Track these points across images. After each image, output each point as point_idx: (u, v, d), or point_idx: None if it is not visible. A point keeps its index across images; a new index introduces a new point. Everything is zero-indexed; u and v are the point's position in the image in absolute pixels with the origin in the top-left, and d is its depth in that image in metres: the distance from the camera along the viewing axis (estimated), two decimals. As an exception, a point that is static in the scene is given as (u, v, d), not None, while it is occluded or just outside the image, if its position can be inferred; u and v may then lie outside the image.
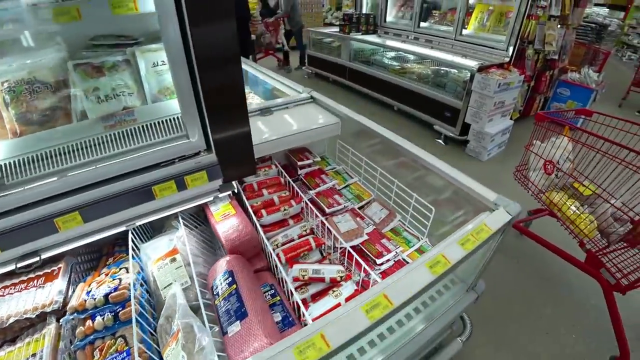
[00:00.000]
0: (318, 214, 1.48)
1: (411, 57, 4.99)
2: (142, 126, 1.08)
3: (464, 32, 4.59)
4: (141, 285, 1.27)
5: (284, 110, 1.94)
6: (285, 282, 1.19)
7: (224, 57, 0.95)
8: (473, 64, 3.85)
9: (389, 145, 1.54)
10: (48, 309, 1.20)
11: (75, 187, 1.02)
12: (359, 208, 1.68)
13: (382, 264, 1.37)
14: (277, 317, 1.15)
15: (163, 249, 1.32)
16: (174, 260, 1.27)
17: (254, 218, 1.35)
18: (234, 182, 1.26)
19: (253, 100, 2.54)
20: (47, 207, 1.02)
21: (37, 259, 1.13)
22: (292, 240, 1.38)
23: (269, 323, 1.02)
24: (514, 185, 2.41)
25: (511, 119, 4.13)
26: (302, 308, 1.06)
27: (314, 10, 10.43)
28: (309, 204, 1.48)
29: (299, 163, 1.79)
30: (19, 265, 1.16)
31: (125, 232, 1.32)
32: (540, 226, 2.55)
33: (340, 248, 1.40)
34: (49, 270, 1.36)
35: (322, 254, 1.41)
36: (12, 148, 1.04)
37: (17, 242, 1.05)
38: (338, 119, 1.82)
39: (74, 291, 1.30)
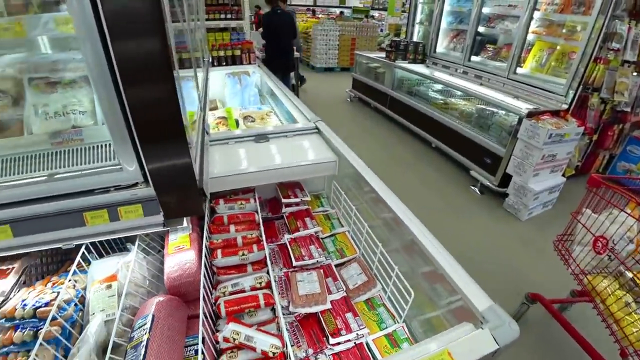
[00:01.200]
0: (282, 265, 1.32)
1: (457, 92, 4.70)
2: (87, 147, 1.02)
3: (519, 70, 4.21)
4: (76, 305, 1.19)
5: (282, 139, 1.82)
6: (211, 341, 1.04)
7: (154, 85, 0.84)
8: (523, 107, 3.50)
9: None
10: None
11: (7, 202, 0.97)
12: (337, 265, 1.49)
13: (337, 344, 1.18)
14: None
15: (107, 271, 1.24)
16: (109, 287, 1.19)
17: (205, 259, 1.22)
18: (185, 218, 1.14)
19: (271, 120, 2.47)
20: None
21: None
22: (243, 291, 1.23)
23: None
24: (554, 257, 2.07)
25: (564, 175, 3.66)
26: None
27: (368, 34, 10.42)
28: (274, 252, 1.32)
29: (284, 200, 1.65)
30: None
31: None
32: (578, 312, 2.17)
33: (294, 313, 1.23)
34: (4, 268, 1.35)
35: (274, 312, 1.25)
36: None
37: None
38: (336, 157, 1.66)
39: (17, 292, 1.28)
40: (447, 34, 5.65)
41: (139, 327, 1.02)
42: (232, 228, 1.40)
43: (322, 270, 1.40)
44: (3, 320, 1.14)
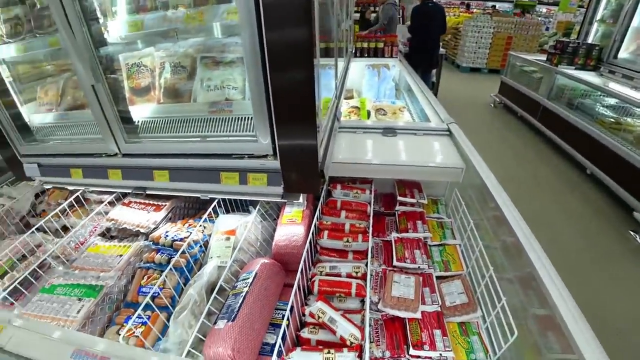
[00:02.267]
0: (382, 261, 1.29)
1: (638, 110, 3.75)
2: (234, 117, 1.17)
3: None
4: (201, 246, 1.41)
5: (410, 136, 1.75)
6: (299, 312, 1.09)
7: (296, 71, 0.91)
8: None
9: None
10: (142, 230, 1.54)
11: (171, 153, 1.24)
12: (439, 278, 1.38)
13: (416, 357, 1.10)
14: (272, 339, 1.10)
15: (229, 225, 1.42)
16: (228, 239, 1.35)
17: (311, 236, 1.28)
18: (302, 195, 1.21)
19: (403, 116, 2.42)
20: (152, 160, 1.29)
21: (142, 192, 1.39)
22: (338, 275, 1.25)
23: (250, 338, 0.99)
24: None
25: None
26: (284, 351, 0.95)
27: (529, 32, 9.04)
28: (378, 247, 1.30)
29: (399, 198, 1.59)
30: (133, 192, 1.46)
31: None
32: None
33: (382, 312, 1.19)
34: (160, 204, 1.69)
35: (363, 304, 1.24)
36: (152, 111, 1.36)
37: (130, 177, 1.37)
38: (464, 164, 1.52)
39: (165, 224, 1.58)
40: (637, 35, 4.48)
41: (243, 280, 1.15)
42: (343, 214, 1.43)
43: (421, 278, 1.32)
44: (151, 243, 1.44)
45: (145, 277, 1.32)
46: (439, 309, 1.26)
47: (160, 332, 1.14)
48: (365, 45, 3.73)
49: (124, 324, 1.15)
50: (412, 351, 1.13)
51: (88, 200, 1.83)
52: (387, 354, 1.15)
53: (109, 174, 1.41)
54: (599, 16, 5.05)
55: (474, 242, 1.36)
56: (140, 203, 1.72)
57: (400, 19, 7.55)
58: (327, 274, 1.26)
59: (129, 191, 1.48)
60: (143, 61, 1.41)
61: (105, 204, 1.70)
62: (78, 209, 1.70)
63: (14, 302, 1.25)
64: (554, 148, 4.77)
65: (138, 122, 1.37)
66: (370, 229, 1.37)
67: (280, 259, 1.27)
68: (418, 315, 1.21)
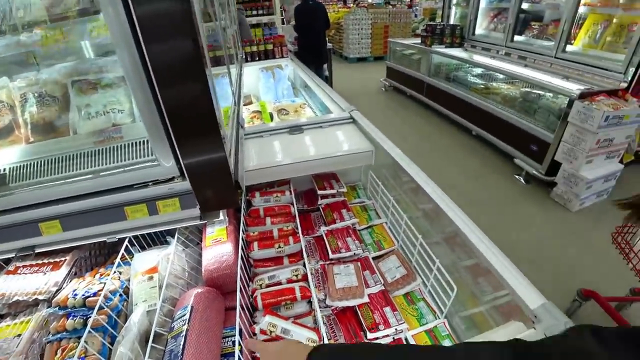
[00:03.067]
0: (318, 257, 1.29)
1: (499, 75, 4.42)
2: (127, 144, 1.04)
3: (569, 48, 3.86)
4: (121, 295, 1.24)
5: (316, 130, 1.78)
6: (248, 333, 1.03)
7: (188, 84, 0.84)
8: (574, 88, 3.21)
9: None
10: (41, 297, 1.28)
11: (57, 198, 1.05)
12: (375, 258, 1.44)
13: (374, 339, 1.14)
14: None
15: (148, 263, 1.27)
16: (151, 278, 1.22)
17: (241, 251, 1.22)
18: (222, 211, 1.14)
19: (305, 113, 2.45)
20: (34, 212, 1.07)
21: (31, 253, 1.16)
22: (279, 283, 1.22)
23: None
24: (609, 251, 1.90)
25: (622, 162, 3.34)
26: None
27: (402, 20, 10.05)
28: (310, 244, 1.29)
29: (320, 192, 1.61)
30: (18, 255, 1.21)
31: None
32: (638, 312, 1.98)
33: (331, 306, 1.20)
34: (58, 260, 1.44)
35: (311, 305, 1.22)
36: (21, 154, 1.15)
37: (9, 238, 1.13)
38: (372, 147, 1.60)
39: (69, 283, 1.36)
40: (486, 14, 5.30)
41: (179, 318, 1.04)
42: (268, 220, 1.39)
43: (359, 263, 1.36)
44: (57, 308, 1.22)
45: (59, 351, 1.11)
46: (383, 288, 1.32)
47: None
48: (254, 49, 3.70)
49: None
50: (369, 335, 1.16)
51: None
52: None
53: (-24, 241, 1.15)
54: (454, 0, 5.85)
55: (399, 217, 1.45)
56: (31, 266, 1.44)
57: (283, 19, 7.70)
58: (267, 285, 1.22)
59: (12, 255, 1.22)
60: (-3, 96, 1.18)
61: None
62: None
63: None
64: (443, 118, 5.37)
65: (4, 170, 1.14)
66: (299, 228, 1.35)
67: (214, 283, 1.18)
68: (366, 299, 1.24)
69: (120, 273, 1.34)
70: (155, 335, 1.02)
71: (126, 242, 1.33)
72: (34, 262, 1.44)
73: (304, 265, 1.30)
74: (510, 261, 0.97)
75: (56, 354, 1.11)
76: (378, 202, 1.69)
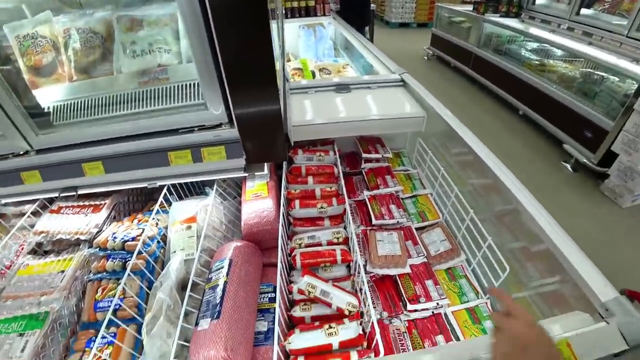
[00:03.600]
0: (359, 222, 1.22)
1: (558, 52, 4.03)
2: (173, 86, 0.98)
3: (645, 27, 3.42)
4: (159, 242, 1.23)
5: (365, 90, 1.67)
6: (286, 291, 1.00)
7: (247, 23, 0.75)
8: (647, 71, 2.87)
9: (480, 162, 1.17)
10: (82, 237, 1.29)
11: (100, 138, 1.01)
12: (418, 229, 1.35)
13: (414, 311, 1.08)
14: (263, 326, 1.00)
15: (187, 212, 1.25)
16: (189, 228, 1.19)
17: (283, 208, 1.17)
18: (266, 164, 1.08)
19: (348, 73, 2.31)
20: (77, 152, 1.06)
21: (74, 193, 1.16)
22: (319, 244, 1.17)
23: (242, 332, 0.88)
24: None
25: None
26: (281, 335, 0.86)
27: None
28: (352, 208, 1.22)
29: (364, 155, 1.52)
30: (61, 195, 1.22)
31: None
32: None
33: (370, 273, 1.14)
34: (98, 203, 1.45)
35: (349, 270, 1.17)
36: (64, 92, 1.10)
37: (53, 177, 1.13)
38: (424, 112, 1.47)
39: (109, 226, 1.36)
40: (551, -18, 4.79)
41: (217, 270, 1.01)
42: (311, 180, 1.32)
43: (402, 232, 1.28)
44: (97, 249, 1.22)
45: (100, 290, 1.13)
46: (425, 260, 1.24)
47: (133, 348, 0.99)
48: (295, 4, 3.51)
49: (87, 349, 0.97)
50: (409, 306, 1.10)
51: (4, 216, 1.52)
52: (385, 314, 1.11)
53: (24, 178, 1.15)
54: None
55: (448, 189, 1.35)
56: (73, 207, 1.45)
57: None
58: (306, 245, 1.17)
59: (56, 195, 1.23)
60: (39, 31, 1.13)
61: (28, 216, 1.41)
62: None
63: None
64: (488, 94, 5.03)
65: (49, 108, 1.12)
66: (344, 190, 1.28)
67: (253, 238, 1.14)
68: (407, 269, 1.17)
69: (158, 220, 1.33)
70: (193, 284, 1.00)
71: (164, 191, 1.31)
72: (75, 204, 1.46)
73: (345, 228, 1.24)
74: (579, 248, 0.87)
75: (97, 292, 1.13)
76: (424, 172, 1.58)
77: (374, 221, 1.30)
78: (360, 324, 0.96)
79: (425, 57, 6.74)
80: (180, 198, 1.38)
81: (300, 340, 0.92)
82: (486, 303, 1.14)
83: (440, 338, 1.05)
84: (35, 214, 1.44)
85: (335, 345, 0.92)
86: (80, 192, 1.17)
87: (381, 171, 1.50)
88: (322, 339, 0.93)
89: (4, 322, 1.04)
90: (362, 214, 1.38)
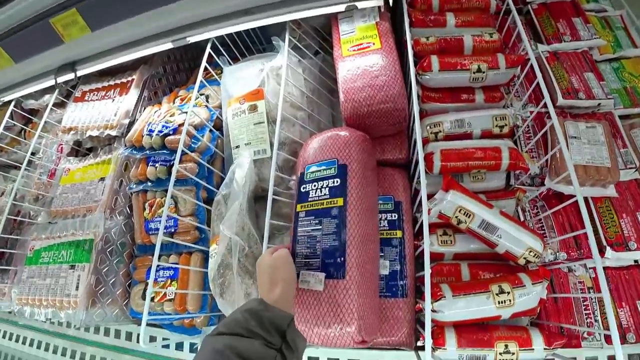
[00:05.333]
0: (527, 101, 0.69)
1: None
2: None
3: None
4: (211, 130, 0.83)
5: None
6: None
7: None
8: None
9: None
10: (112, 133, 0.97)
11: None
12: (623, 117, 0.80)
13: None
14: (384, 268, 0.63)
15: (247, 83, 0.79)
16: (254, 108, 0.74)
17: (412, 70, 0.65)
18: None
19: None
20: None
21: (72, 71, 0.89)
22: (468, 135, 0.68)
23: (370, 296, 0.54)
24: None
25: None
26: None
27: None
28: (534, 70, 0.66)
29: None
30: (59, 77, 0.92)
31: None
32: None
33: (544, 191, 0.67)
34: (125, 80, 1.06)
35: (508, 181, 0.70)
36: None
37: (24, 53, 0.81)
38: None
39: (142, 111, 1.00)
40: None
41: (316, 180, 0.58)
42: (451, 19, 0.75)
43: (609, 124, 0.74)
44: (132, 149, 0.87)
45: (147, 207, 0.84)
46: (638, 175, 0.74)
47: (201, 285, 0.75)
48: None
49: (147, 280, 0.74)
50: (609, 253, 0.67)
51: (37, 112, 1.19)
52: (562, 255, 0.71)
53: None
54: None
55: None
56: (98, 90, 1.08)
57: None
58: (447, 136, 0.68)
59: (52, 80, 0.88)
60: None
61: (51, 108, 1.05)
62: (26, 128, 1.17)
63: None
64: None
65: None
66: (513, 36, 0.71)
67: (359, 123, 0.67)
68: (612, 191, 0.71)
69: (207, 97, 0.91)
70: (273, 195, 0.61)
71: (209, 48, 0.82)
72: (99, 85, 1.09)
73: (512, 107, 0.72)
74: None
75: (144, 208, 0.84)
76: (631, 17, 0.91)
77: (560, 100, 0.74)
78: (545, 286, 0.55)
79: None
80: (235, 60, 0.91)
81: (455, 307, 0.55)
82: None
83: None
84: (59, 105, 1.11)
85: (506, 316, 0.56)
86: (79, 70, 0.78)
87: (563, 9, 0.86)
88: (490, 309, 0.55)
89: (54, 249, 0.88)
90: (529, 83, 0.81)
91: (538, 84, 0.61)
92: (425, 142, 0.68)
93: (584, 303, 0.68)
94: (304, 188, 0.59)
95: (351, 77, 0.67)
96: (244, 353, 0.34)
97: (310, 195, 0.57)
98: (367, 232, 0.55)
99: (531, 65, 0.63)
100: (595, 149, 0.70)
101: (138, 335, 0.88)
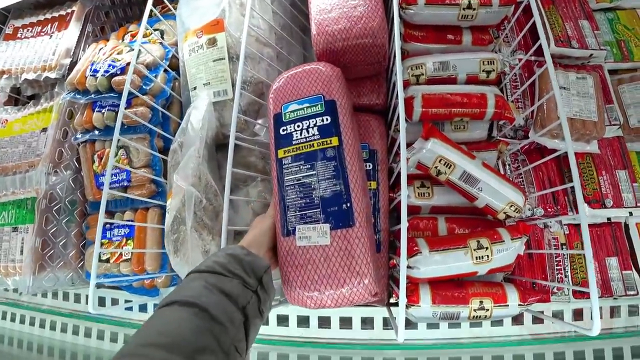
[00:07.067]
0: (516, 49, 0.64)
1: None
2: None
3: None
4: (166, 70, 0.73)
5: None
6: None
7: None
8: None
9: None
10: (52, 75, 0.86)
11: None
12: (613, 72, 0.76)
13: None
14: None
15: (205, 13, 0.68)
16: (212, 42, 0.65)
17: (396, 2, 0.56)
18: None
19: None
20: None
21: None
22: (453, 79, 0.62)
23: (374, 245, 0.51)
24: None
25: None
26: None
27: None
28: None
29: None
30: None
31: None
32: None
33: (526, 144, 0.65)
34: (63, 13, 0.94)
35: (490, 131, 0.66)
36: None
37: None
38: None
39: (85, 49, 0.89)
40: None
41: (296, 119, 0.51)
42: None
43: (597, 75, 0.70)
44: (75, 93, 0.77)
45: (97, 159, 0.75)
46: (620, 133, 0.72)
47: (160, 239, 0.68)
48: None
49: (103, 240, 0.71)
50: (587, 209, 0.67)
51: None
52: (539, 211, 0.69)
53: None
54: None
55: None
56: (32, 25, 0.96)
57: None
58: (431, 80, 0.62)
59: None
60: None
61: None
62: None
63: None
64: None
65: None
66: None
67: (335, 58, 0.59)
68: (595, 147, 0.70)
69: (162, 34, 0.79)
70: (235, 147, 0.53)
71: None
72: (34, 19, 0.96)
73: (499, 51, 0.66)
74: None
75: (93, 161, 0.75)
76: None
77: (552, 47, 0.69)
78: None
79: None
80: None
81: (431, 263, 0.51)
82: None
83: (613, 261, 0.68)
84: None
85: (482, 272, 0.53)
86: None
87: None
88: (467, 265, 0.52)
89: (-4, 209, 0.82)
90: (520, 27, 0.75)
91: (529, 29, 0.55)
92: (406, 85, 0.62)
93: (557, 259, 0.68)
94: (283, 130, 0.51)
95: (325, 7, 0.58)
96: (225, 290, 0.37)
97: (295, 138, 0.49)
98: (364, 175, 0.51)
99: (527, 5, 0.57)
100: (584, 101, 0.66)
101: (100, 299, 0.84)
